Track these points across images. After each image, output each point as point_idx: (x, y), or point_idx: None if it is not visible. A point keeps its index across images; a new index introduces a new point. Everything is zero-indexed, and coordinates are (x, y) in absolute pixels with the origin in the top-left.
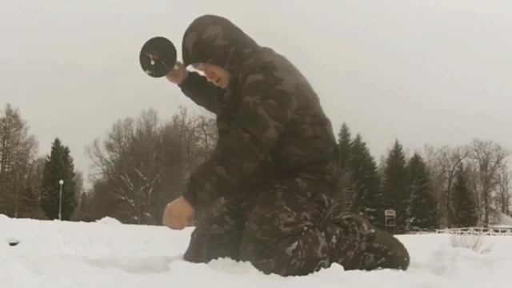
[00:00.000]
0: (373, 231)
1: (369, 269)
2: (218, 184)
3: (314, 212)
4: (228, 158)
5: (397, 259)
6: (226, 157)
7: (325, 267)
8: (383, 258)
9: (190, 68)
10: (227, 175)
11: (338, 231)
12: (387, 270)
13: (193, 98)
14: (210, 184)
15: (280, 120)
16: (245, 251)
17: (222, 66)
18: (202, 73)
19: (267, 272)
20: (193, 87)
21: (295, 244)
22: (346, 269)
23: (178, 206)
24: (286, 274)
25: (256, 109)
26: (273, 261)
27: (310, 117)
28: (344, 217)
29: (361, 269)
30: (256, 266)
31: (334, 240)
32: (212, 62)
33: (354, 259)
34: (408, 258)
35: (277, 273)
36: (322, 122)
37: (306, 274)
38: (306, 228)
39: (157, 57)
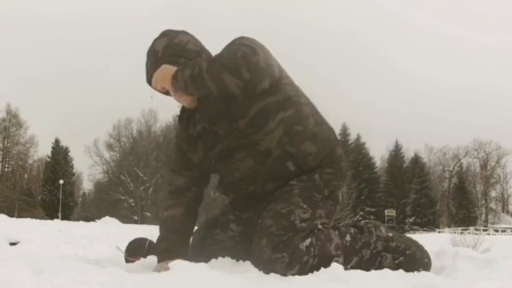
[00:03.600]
0: (390, 235)
1: None
2: (194, 76)
3: (329, 209)
4: (214, 61)
5: (416, 260)
6: (214, 59)
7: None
8: (401, 258)
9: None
10: (206, 74)
11: (352, 231)
12: (387, 270)
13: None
14: (189, 71)
15: (267, 55)
16: (258, 246)
17: None
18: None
19: (280, 267)
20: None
21: (308, 240)
22: (362, 269)
23: (170, 71)
24: (299, 272)
25: (243, 44)
26: (287, 255)
27: (303, 97)
28: (362, 222)
29: (377, 270)
30: (270, 260)
31: (348, 238)
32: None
33: (370, 259)
34: (429, 260)
35: (290, 269)
36: (312, 103)
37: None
38: (320, 226)
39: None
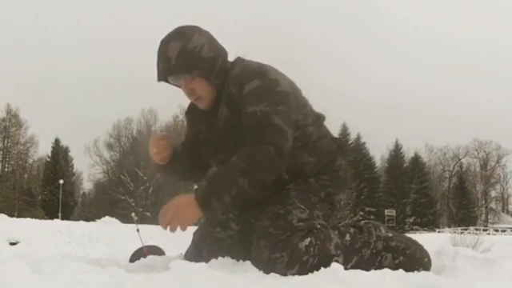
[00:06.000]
0: (390, 235)
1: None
2: (236, 196)
3: (326, 212)
4: (253, 172)
5: (416, 260)
6: (251, 170)
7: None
8: (401, 257)
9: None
10: (249, 189)
11: (352, 230)
12: (387, 270)
13: (177, 174)
14: (228, 196)
15: (292, 126)
16: (257, 247)
17: (208, 79)
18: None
19: (280, 267)
20: (179, 162)
21: (308, 240)
22: (362, 269)
23: (188, 208)
24: (299, 272)
25: (271, 118)
26: (286, 255)
27: (310, 117)
28: (362, 222)
29: (377, 269)
30: (269, 260)
31: (347, 237)
32: (198, 75)
33: (370, 258)
34: (429, 260)
35: (290, 269)
36: (320, 118)
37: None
38: (318, 226)
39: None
